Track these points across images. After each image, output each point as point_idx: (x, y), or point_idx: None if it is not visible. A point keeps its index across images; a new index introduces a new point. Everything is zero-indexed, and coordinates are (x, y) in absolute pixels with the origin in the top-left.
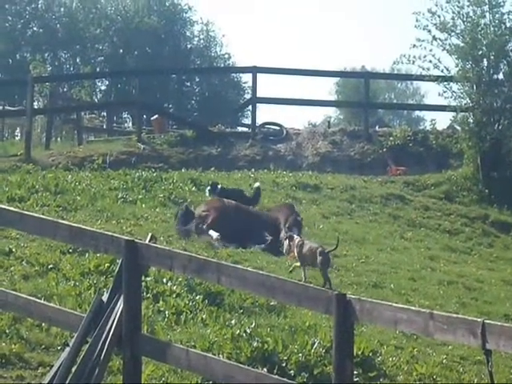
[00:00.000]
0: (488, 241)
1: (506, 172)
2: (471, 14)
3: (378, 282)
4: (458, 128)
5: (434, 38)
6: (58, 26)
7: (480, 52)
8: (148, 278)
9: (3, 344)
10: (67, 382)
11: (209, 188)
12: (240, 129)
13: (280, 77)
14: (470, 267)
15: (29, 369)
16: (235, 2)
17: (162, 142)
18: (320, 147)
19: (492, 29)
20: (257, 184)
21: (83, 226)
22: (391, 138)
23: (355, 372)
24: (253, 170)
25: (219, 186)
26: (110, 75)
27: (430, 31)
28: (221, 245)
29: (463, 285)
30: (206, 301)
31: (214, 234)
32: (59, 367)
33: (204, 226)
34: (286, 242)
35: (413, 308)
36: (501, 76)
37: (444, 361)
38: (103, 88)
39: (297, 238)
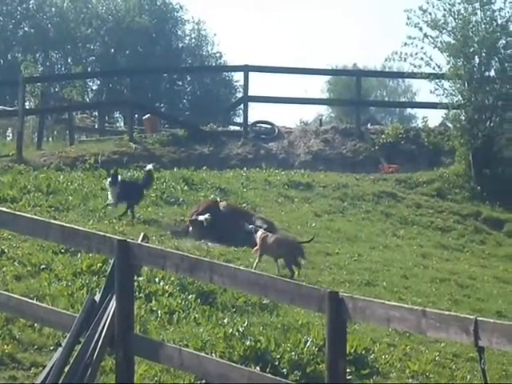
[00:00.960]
0: (480, 238)
1: (497, 169)
2: (462, 11)
3: (370, 280)
4: (450, 125)
5: (426, 35)
6: (49, 26)
7: (471, 49)
8: (140, 278)
9: None
10: (60, 382)
11: (109, 179)
12: (232, 128)
13: (272, 75)
14: (462, 264)
15: (21, 369)
16: (226, 1)
17: (154, 142)
18: (312, 145)
19: (483, 26)
20: (148, 166)
21: (75, 226)
22: (383, 136)
23: (348, 370)
24: (245, 168)
25: (119, 177)
26: (102, 75)
27: (421, 29)
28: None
29: (455, 282)
30: (199, 300)
31: (202, 217)
32: (52, 367)
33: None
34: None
35: (405, 306)
36: (492, 73)
37: (437, 358)
38: (95, 88)
39: (260, 232)
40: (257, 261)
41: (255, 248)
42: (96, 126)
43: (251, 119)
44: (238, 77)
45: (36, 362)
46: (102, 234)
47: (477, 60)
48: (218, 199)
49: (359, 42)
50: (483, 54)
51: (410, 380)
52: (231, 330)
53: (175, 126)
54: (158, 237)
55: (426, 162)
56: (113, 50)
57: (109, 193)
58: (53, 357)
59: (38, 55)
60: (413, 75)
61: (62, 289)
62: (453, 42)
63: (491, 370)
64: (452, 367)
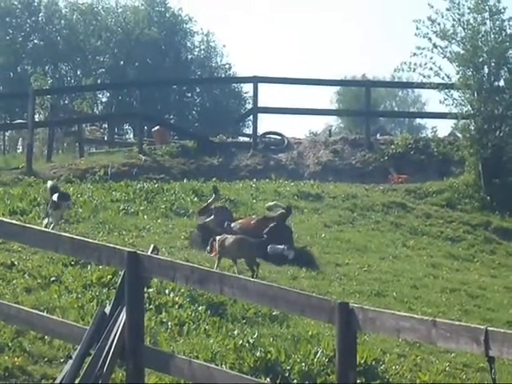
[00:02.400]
0: (490, 248)
1: (507, 179)
2: (471, 21)
3: (380, 291)
4: (460, 135)
5: (435, 45)
6: (59, 38)
7: (481, 59)
8: (150, 290)
9: (6, 357)
10: None
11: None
12: (241, 139)
13: (281, 86)
14: (472, 274)
15: (32, 382)
16: (235, 13)
17: (164, 153)
18: (321, 156)
19: (492, 36)
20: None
21: (85, 239)
22: (392, 146)
23: (358, 381)
24: (254, 179)
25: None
26: (111, 87)
27: (430, 39)
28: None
29: (466, 292)
30: (209, 311)
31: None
32: (62, 380)
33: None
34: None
35: (416, 316)
36: (502, 83)
37: (447, 368)
38: (104, 100)
39: (219, 236)
40: (216, 264)
41: (214, 253)
42: (105, 138)
43: (260, 130)
44: (247, 88)
45: (46, 374)
46: (111, 245)
47: (486, 70)
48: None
49: (369, 53)
50: (492, 64)
51: None
52: (241, 342)
53: (185, 137)
54: (167, 248)
55: (435, 172)
56: (122, 62)
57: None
58: (63, 369)
59: (47, 67)
60: (422, 85)
61: (72, 301)
62: (462, 52)
63: (502, 380)
64: (462, 377)
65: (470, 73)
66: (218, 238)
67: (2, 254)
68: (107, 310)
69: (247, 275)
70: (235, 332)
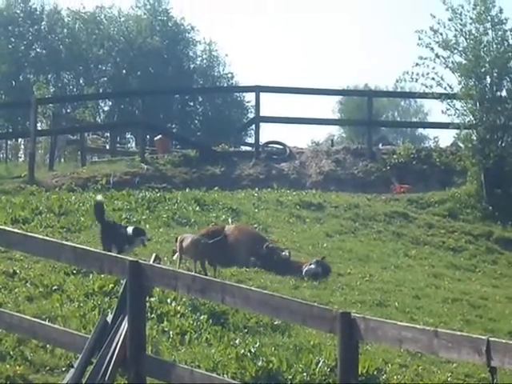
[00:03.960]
0: (492, 258)
1: (509, 189)
2: (474, 31)
3: (382, 301)
4: (462, 145)
5: (437, 55)
6: (61, 47)
7: (483, 69)
8: (152, 299)
9: (8, 366)
10: None
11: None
12: (243, 148)
13: (283, 96)
14: (474, 284)
15: None
16: (238, 22)
17: (166, 162)
18: (323, 166)
19: (495, 46)
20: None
21: (87, 247)
22: (395, 156)
23: None
24: (256, 189)
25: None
26: (114, 96)
27: (432, 49)
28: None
29: (467, 302)
30: (211, 320)
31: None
32: None
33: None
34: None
35: (417, 326)
36: (504, 93)
37: (449, 379)
38: (106, 109)
39: (180, 236)
40: (178, 264)
41: (176, 254)
42: (107, 147)
43: (263, 139)
44: (249, 97)
45: (48, 383)
46: (113, 254)
47: (488, 80)
48: (230, 221)
49: (371, 63)
50: (495, 74)
51: None
52: (243, 351)
53: (187, 146)
54: (169, 257)
55: (437, 182)
56: (124, 71)
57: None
58: (65, 378)
59: (49, 76)
60: (424, 95)
61: (74, 310)
62: (464, 62)
63: None
64: None
65: (472, 83)
66: (178, 237)
67: (4, 263)
68: (109, 318)
69: (248, 284)
70: (237, 341)
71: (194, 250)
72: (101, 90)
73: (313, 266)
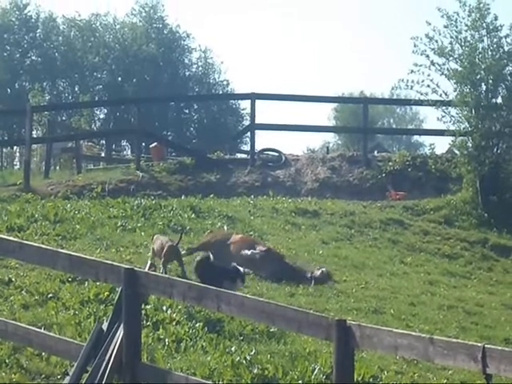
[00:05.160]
0: (488, 265)
1: (505, 196)
2: (469, 38)
3: (377, 308)
4: (457, 152)
5: (432, 62)
6: (57, 54)
7: (478, 76)
8: (148, 306)
9: (3, 374)
10: None
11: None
12: (239, 155)
13: (278, 103)
14: (469, 291)
15: None
16: (233, 29)
17: (161, 170)
18: (319, 173)
19: (490, 53)
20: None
21: (83, 255)
22: (390, 163)
23: None
24: (252, 196)
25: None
26: (109, 103)
27: (428, 56)
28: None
29: (463, 309)
30: (206, 328)
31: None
32: None
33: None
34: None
35: (413, 333)
36: (499, 100)
37: None
38: (102, 116)
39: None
40: (147, 263)
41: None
42: (103, 155)
43: (258, 147)
44: (244, 105)
45: None
46: (109, 262)
47: (484, 87)
48: (226, 228)
49: (366, 70)
50: (490, 81)
51: None
52: (239, 358)
53: (182, 154)
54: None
55: (433, 189)
56: (120, 79)
57: None
58: None
59: (45, 84)
60: (420, 102)
61: (70, 317)
62: (460, 69)
63: None
64: None
65: (468, 90)
66: (154, 237)
67: (0, 271)
68: (104, 326)
69: (244, 292)
70: (232, 349)
71: (161, 251)
72: (96, 98)
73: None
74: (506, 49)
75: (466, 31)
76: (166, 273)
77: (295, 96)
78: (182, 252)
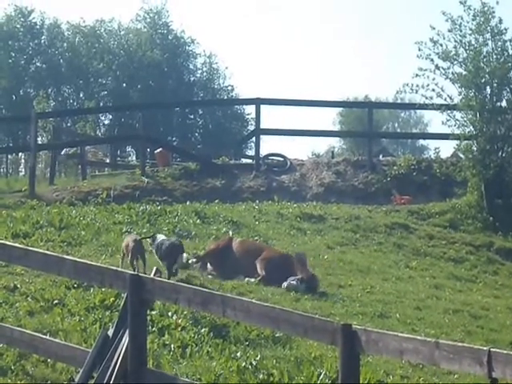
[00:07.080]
0: (493, 268)
1: (510, 199)
2: (473, 42)
3: (383, 312)
4: (462, 156)
5: (437, 66)
6: (61, 61)
7: (483, 80)
8: (153, 312)
9: (9, 380)
10: None
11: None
12: (244, 160)
13: (283, 108)
14: (475, 295)
15: None
16: (238, 35)
17: (166, 175)
18: (324, 177)
19: (494, 56)
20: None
21: (88, 261)
22: (395, 167)
23: None
24: (257, 201)
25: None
26: (114, 109)
27: (432, 60)
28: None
29: (469, 313)
30: (212, 333)
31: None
32: None
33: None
34: None
35: (419, 338)
36: (504, 103)
37: None
38: (107, 122)
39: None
40: (121, 260)
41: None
42: (108, 161)
43: (263, 152)
44: (249, 110)
45: None
46: (114, 268)
47: (488, 90)
48: (231, 233)
49: (371, 74)
50: (495, 85)
51: None
52: (244, 364)
53: (187, 159)
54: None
55: (438, 193)
56: (125, 85)
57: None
58: None
59: (50, 90)
60: (424, 106)
61: (75, 324)
62: (464, 72)
63: None
64: None
65: (473, 94)
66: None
67: (5, 278)
68: (110, 332)
69: (249, 297)
70: (238, 354)
71: (127, 247)
72: (101, 104)
73: (294, 282)
74: (511, 52)
75: (470, 35)
76: (134, 270)
77: (300, 101)
78: (190, 258)
